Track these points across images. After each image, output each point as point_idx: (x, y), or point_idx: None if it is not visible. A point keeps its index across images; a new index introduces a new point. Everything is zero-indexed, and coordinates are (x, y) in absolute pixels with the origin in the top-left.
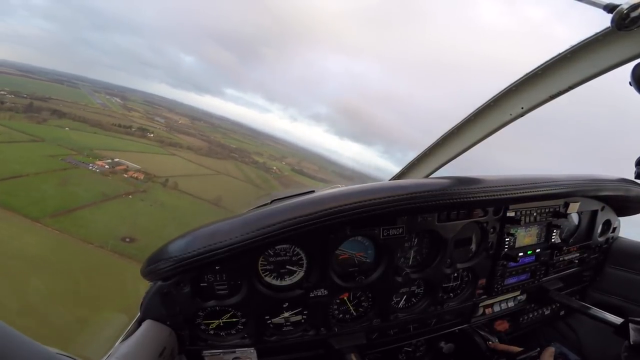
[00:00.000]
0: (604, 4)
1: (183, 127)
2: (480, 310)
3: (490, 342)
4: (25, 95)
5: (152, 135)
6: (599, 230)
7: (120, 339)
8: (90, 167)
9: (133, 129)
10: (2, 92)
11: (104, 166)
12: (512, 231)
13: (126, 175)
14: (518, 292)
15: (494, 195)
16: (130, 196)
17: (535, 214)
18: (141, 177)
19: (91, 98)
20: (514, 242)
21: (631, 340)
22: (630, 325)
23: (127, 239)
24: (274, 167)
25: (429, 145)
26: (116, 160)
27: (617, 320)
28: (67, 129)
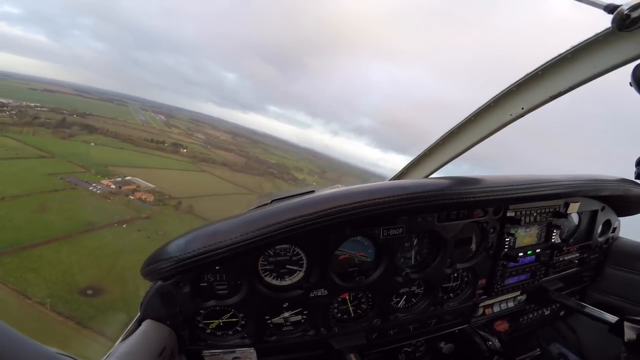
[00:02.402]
0: (605, 4)
1: (223, 143)
2: (480, 311)
3: (490, 343)
4: (65, 112)
5: (185, 150)
6: (599, 230)
7: (120, 338)
8: (91, 188)
9: (166, 145)
10: (43, 109)
11: (110, 186)
12: (512, 231)
13: (132, 197)
14: (518, 293)
15: (493, 196)
16: (124, 225)
17: (535, 214)
18: (150, 198)
19: (135, 115)
20: (514, 242)
21: (625, 339)
22: (625, 323)
23: (90, 291)
24: (314, 183)
25: (429, 145)
26: (127, 178)
27: (616, 319)
28: (92, 144)
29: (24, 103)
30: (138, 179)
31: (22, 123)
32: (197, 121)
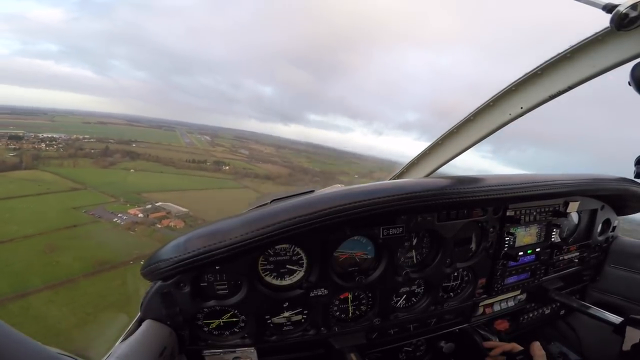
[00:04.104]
0: (603, 4)
1: (267, 156)
2: (480, 310)
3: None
4: (111, 141)
5: (227, 167)
6: (599, 229)
7: (121, 338)
8: (116, 219)
9: (207, 164)
10: (91, 140)
11: (137, 215)
12: (512, 230)
13: (159, 226)
14: (518, 292)
15: (493, 195)
16: (142, 261)
17: (535, 213)
18: (180, 225)
19: (181, 138)
20: (514, 242)
21: (625, 341)
22: (628, 326)
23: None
24: None
25: (429, 145)
26: (158, 204)
27: (617, 319)
28: (132, 170)
29: (74, 136)
30: (170, 204)
31: (66, 155)
32: (242, 138)
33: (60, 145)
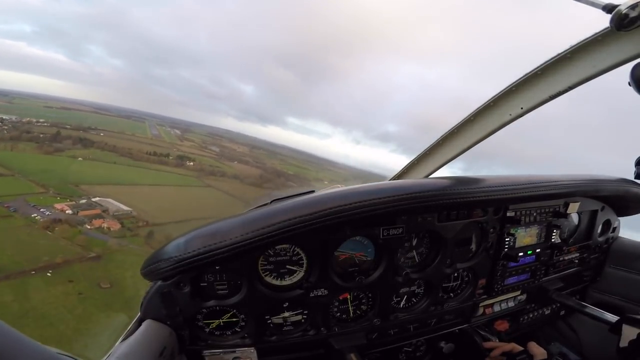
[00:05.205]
0: (603, 4)
1: (239, 155)
2: (480, 310)
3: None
4: (67, 127)
5: (192, 164)
6: (599, 230)
7: (121, 338)
8: (35, 215)
9: (170, 158)
10: (44, 124)
11: (65, 210)
12: (512, 231)
13: (88, 226)
14: (518, 292)
15: (493, 196)
16: (49, 272)
17: (535, 214)
18: (115, 227)
19: (149, 130)
20: (514, 242)
21: (621, 340)
22: (624, 324)
23: None
24: None
25: (429, 145)
26: (95, 200)
27: (616, 319)
28: (79, 159)
29: (26, 119)
30: (110, 201)
31: (8, 138)
32: (215, 135)
33: (5, 127)
